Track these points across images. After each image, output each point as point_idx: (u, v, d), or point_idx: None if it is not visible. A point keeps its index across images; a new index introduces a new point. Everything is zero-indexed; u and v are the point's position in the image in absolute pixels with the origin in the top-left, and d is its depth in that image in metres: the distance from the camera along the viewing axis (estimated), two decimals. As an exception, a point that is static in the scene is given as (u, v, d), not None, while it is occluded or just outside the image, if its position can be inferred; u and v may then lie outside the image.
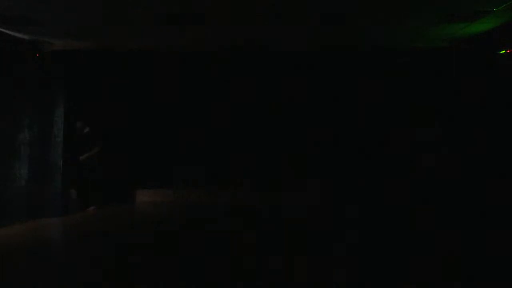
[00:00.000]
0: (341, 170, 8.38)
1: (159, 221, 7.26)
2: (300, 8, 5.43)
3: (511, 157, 6.33)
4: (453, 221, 6.76)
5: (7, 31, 6.43)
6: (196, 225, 6.85)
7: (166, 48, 7.69)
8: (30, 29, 6.31)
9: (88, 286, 4.11)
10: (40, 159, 7.16)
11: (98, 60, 8.09)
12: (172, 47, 7.59)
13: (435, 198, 7.57)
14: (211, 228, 6.63)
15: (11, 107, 6.72)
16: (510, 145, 6.35)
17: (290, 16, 5.76)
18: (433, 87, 8.09)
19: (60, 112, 7.38)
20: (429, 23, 6.12)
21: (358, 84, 8.42)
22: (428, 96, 8.13)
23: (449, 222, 6.74)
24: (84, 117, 7.85)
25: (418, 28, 6.37)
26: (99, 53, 7.88)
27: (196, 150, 8.71)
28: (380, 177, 8.20)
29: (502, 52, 6.49)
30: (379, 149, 8.28)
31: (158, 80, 8.73)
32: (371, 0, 5.14)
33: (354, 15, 5.75)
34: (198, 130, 8.73)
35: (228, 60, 8.42)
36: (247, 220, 7.28)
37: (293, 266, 4.69)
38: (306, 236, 6.09)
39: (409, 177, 7.99)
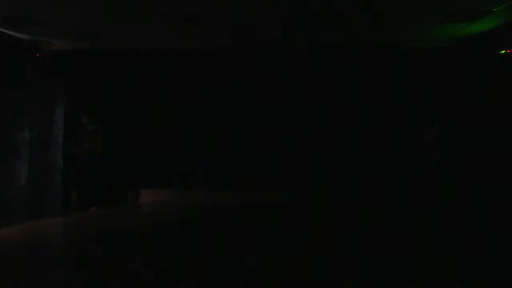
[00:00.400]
0: (341, 170, 8.37)
1: (159, 221, 7.26)
2: (300, 8, 5.42)
3: (511, 156, 6.32)
4: (452, 221, 6.77)
5: (7, 31, 6.43)
6: (196, 225, 6.85)
7: (166, 48, 7.69)
8: (30, 29, 6.31)
9: (88, 286, 4.11)
10: (40, 159, 7.16)
11: (98, 60, 8.09)
12: (172, 47, 7.59)
13: (436, 198, 7.56)
14: (211, 228, 6.63)
15: (11, 107, 6.72)
16: (510, 145, 6.35)
17: (290, 16, 5.76)
18: (433, 87, 8.09)
19: (60, 112, 7.38)
20: (429, 23, 6.12)
21: (357, 84, 8.42)
22: (428, 96, 8.13)
23: (449, 222, 6.75)
24: (84, 117, 7.84)
25: (418, 28, 6.37)
26: (99, 53, 7.88)
27: (196, 150, 8.71)
28: (380, 177, 8.19)
29: (502, 52, 6.48)
30: (378, 149, 8.27)
31: (158, 80, 8.73)
32: (372, 0, 5.13)
33: (354, 15, 5.74)
34: (198, 130, 8.73)
35: (229, 60, 8.41)
36: (245, 219, 7.29)
37: (295, 266, 4.69)
38: (306, 236, 6.10)
39: (409, 177, 7.99)
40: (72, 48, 7.45)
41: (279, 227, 6.72)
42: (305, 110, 8.54)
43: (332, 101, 8.49)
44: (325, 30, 6.47)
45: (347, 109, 8.44)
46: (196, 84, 8.74)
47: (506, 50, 6.43)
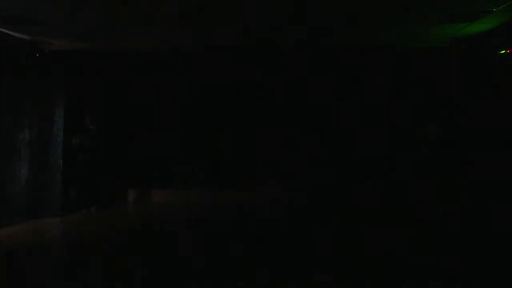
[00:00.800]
0: (340, 170, 8.37)
1: (158, 221, 7.26)
2: (301, 8, 5.42)
3: (511, 156, 6.32)
4: (451, 221, 6.77)
5: (7, 31, 6.43)
6: (195, 226, 6.85)
7: (166, 48, 7.69)
8: (30, 29, 6.31)
9: (88, 286, 4.12)
10: (40, 159, 7.16)
11: (98, 60, 8.08)
12: (172, 47, 7.59)
13: (436, 197, 7.57)
14: (210, 229, 6.63)
15: (11, 107, 6.72)
16: (510, 145, 6.35)
17: (290, 16, 5.76)
18: (433, 87, 8.08)
19: (60, 112, 7.37)
20: (429, 23, 6.12)
21: (357, 84, 8.42)
22: (428, 96, 8.12)
23: (448, 222, 6.75)
24: (84, 117, 7.84)
25: (418, 28, 6.37)
26: (99, 53, 7.88)
27: (196, 150, 8.71)
28: (381, 177, 8.19)
29: (502, 52, 6.49)
30: (379, 149, 8.27)
31: (158, 80, 8.73)
32: (372, 0, 5.13)
33: (354, 15, 5.74)
34: (197, 130, 8.72)
35: (229, 60, 8.41)
36: (246, 219, 7.29)
37: (294, 266, 4.69)
38: (305, 236, 6.09)
39: (409, 176, 7.99)
40: (72, 48, 7.44)
41: (278, 226, 6.72)
42: (305, 110, 8.54)
43: (332, 102, 8.48)
44: (325, 30, 6.47)
45: (347, 109, 8.44)
46: (196, 84, 8.73)
47: (506, 50, 6.43)
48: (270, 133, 8.56)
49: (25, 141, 6.94)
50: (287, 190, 8.46)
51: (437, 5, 5.34)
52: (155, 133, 8.72)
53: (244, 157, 8.62)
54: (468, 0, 5.15)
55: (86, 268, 4.65)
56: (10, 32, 6.49)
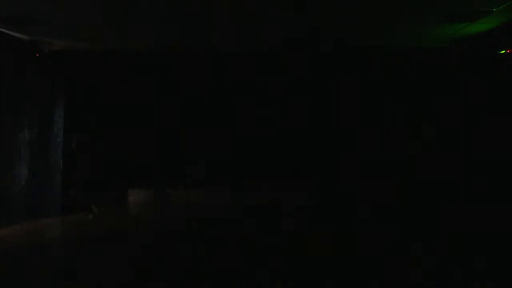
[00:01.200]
0: (341, 169, 8.37)
1: (158, 221, 7.27)
2: (301, 8, 5.42)
3: (511, 156, 6.32)
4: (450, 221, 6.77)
5: (7, 31, 6.43)
6: (196, 226, 6.86)
7: (166, 48, 7.68)
8: (30, 29, 6.30)
9: (88, 286, 4.12)
10: (40, 159, 7.16)
11: (98, 60, 8.08)
12: (172, 47, 7.58)
13: (438, 197, 7.56)
14: (210, 229, 6.64)
15: (11, 107, 6.71)
16: (510, 145, 6.35)
17: (291, 16, 5.76)
18: (433, 87, 8.08)
19: (60, 112, 7.37)
20: (429, 23, 6.12)
21: (357, 84, 8.41)
22: (428, 96, 8.12)
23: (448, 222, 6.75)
24: (84, 117, 7.84)
25: (418, 28, 6.37)
26: (99, 53, 7.87)
27: (196, 150, 8.70)
28: (381, 177, 8.19)
29: (502, 52, 6.49)
30: (378, 149, 8.27)
31: (158, 80, 8.72)
32: (372, 0, 5.13)
33: (354, 15, 5.74)
34: (198, 130, 8.72)
35: (229, 61, 8.41)
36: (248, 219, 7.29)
37: (289, 266, 4.70)
38: (305, 236, 6.10)
39: (409, 177, 7.98)
40: (72, 48, 7.44)
41: (278, 226, 6.72)
42: (304, 110, 8.53)
43: (331, 102, 8.48)
44: (325, 30, 6.47)
45: (346, 109, 8.43)
46: (196, 84, 8.72)
47: (506, 50, 6.43)
48: (271, 133, 8.55)
49: (25, 141, 6.94)
50: (287, 190, 8.46)
51: (437, 5, 5.34)
52: (155, 133, 8.71)
53: (244, 156, 8.61)
54: (468, 0, 5.15)
55: (86, 268, 4.65)
56: (10, 32, 6.49)
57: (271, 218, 7.33)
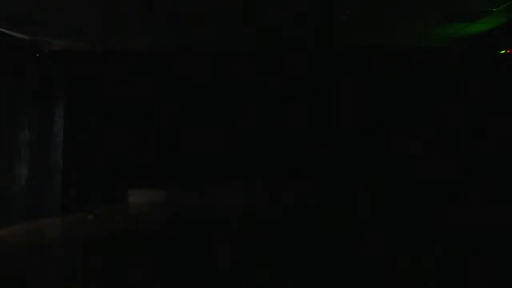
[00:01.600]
0: (340, 170, 8.37)
1: (158, 221, 7.26)
2: (301, 8, 5.42)
3: (511, 157, 6.32)
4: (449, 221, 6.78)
5: (7, 31, 6.43)
6: (196, 226, 6.86)
7: (166, 48, 7.68)
8: (30, 29, 6.31)
9: (88, 286, 4.12)
10: (40, 159, 7.15)
11: (98, 60, 8.08)
12: (172, 47, 7.58)
13: (441, 198, 7.56)
14: (209, 229, 6.64)
15: (11, 107, 6.71)
16: (510, 145, 6.35)
17: (292, 16, 5.76)
18: (433, 87, 8.08)
19: (60, 112, 7.37)
20: (429, 23, 6.12)
21: (357, 84, 8.41)
22: (428, 96, 8.12)
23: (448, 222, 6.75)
24: (84, 116, 7.84)
25: (418, 28, 6.37)
26: (99, 53, 7.87)
27: (196, 150, 8.70)
28: (381, 177, 8.19)
29: (502, 52, 6.49)
30: (378, 150, 8.27)
31: (158, 80, 8.72)
32: (372, 0, 5.13)
33: (354, 15, 5.74)
34: (197, 130, 8.72)
35: (229, 61, 8.41)
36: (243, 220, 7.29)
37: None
38: (305, 236, 6.09)
39: (409, 177, 7.98)
40: (72, 48, 7.44)
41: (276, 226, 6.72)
42: (304, 110, 8.53)
43: (331, 102, 8.47)
44: (325, 30, 6.47)
45: (346, 109, 8.43)
46: (195, 84, 8.72)
47: (506, 50, 6.43)
48: (271, 134, 8.55)
49: (25, 141, 6.94)
50: (287, 191, 8.46)
51: (437, 5, 5.34)
52: (155, 133, 8.71)
53: (244, 156, 8.61)
54: (468, 0, 5.15)
55: (86, 268, 4.65)
56: (10, 32, 6.49)
57: (271, 218, 7.33)
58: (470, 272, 4.45)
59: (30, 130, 7.01)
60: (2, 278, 4.28)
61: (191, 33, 6.62)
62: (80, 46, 7.37)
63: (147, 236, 6.14)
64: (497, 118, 6.58)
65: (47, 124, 7.29)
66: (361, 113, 8.39)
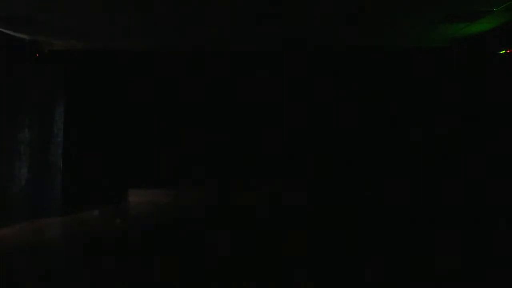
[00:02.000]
0: (340, 170, 8.37)
1: (158, 221, 7.27)
2: (301, 8, 5.42)
3: (511, 157, 6.32)
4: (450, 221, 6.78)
5: (7, 31, 6.43)
6: (197, 226, 6.86)
7: (166, 48, 7.69)
8: (30, 29, 6.31)
9: (88, 287, 4.12)
10: (40, 159, 7.15)
11: (98, 60, 8.08)
12: (172, 47, 7.59)
13: (436, 198, 7.56)
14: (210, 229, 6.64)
15: (11, 107, 6.71)
16: (510, 145, 6.35)
17: (292, 16, 5.76)
18: (433, 87, 8.08)
19: (60, 112, 7.37)
20: (429, 23, 6.12)
21: (357, 84, 8.41)
22: (428, 96, 8.12)
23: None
24: (84, 116, 7.84)
25: (418, 28, 6.37)
26: (99, 53, 7.87)
27: (197, 150, 8.70)
28: (381, 177, 8.19)
29: (502, 52, 6.49)
30: (378, 150, 8.26)
31: (158, 80, 8.72)
32: (372, 0, 5.13)
33: (354, 15, 5.74)
34: (197, 130, 8.72)
35: (229, 61, 8.41)
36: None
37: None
38: (305, 236, 6.10)
39: (409, 177, 7.99)
40: (72, 48, 7.44)
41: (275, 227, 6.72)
42: (304, 110, 8.53)
43: (331, 102, 8.47)
44: (325, 30, 6.48)
45: (346, 109, 8.43)
46: (195, 84, 8.72)
47: (506, 50, 6.43)
48: (271, 134, 8.55)
49: (25, 141, 6.94)
50: (288, 190, 8.46)
51: (437, 5, 5.34)
52: (156, 133, 8.71)
53: (244, 156, 8.61)
54: (468, 0, 5.15)
55: (86, 269, 4.65)
56: (10, 32, 6.49)
57: (271, 218, 7.33)
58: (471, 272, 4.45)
59: (30, 130, 7.01)
60: (2, 278, 4.28)
61: (191, 33, 6.62)
62: (80, 46, 7.38)
63: (147, 236, 6.14)
64: (497, 118, 6.58)
65: (47, 124, 7.29)
66: (361, 113, 8.39)
